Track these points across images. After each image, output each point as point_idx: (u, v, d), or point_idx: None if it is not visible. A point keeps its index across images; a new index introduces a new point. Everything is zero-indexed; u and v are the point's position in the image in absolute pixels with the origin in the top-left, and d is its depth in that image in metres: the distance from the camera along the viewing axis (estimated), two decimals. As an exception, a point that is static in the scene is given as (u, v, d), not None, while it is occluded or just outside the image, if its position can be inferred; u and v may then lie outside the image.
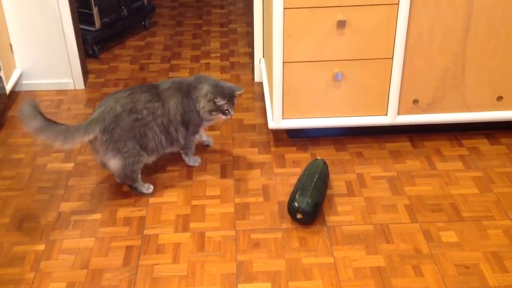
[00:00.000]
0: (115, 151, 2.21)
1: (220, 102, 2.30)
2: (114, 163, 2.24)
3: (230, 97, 2.32)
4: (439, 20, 2.35)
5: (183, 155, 2.50)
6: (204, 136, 2.63)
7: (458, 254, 2.01)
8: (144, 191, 2.35)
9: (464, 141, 2.63)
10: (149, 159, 2.35)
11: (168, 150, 2.39)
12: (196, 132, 2.43)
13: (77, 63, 3.12)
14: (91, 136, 2.18)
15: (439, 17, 2.35)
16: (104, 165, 2.33)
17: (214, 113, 2.33)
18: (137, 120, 2.22)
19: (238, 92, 2.37)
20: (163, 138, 2.30)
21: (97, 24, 3.51)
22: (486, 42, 2.41)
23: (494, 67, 2.47)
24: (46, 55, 3.09)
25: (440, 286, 1.89)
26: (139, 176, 2.32)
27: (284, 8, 2.30)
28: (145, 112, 2.24)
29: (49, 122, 2.11)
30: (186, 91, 2.33)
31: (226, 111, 2.33)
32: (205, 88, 2.31)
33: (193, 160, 2.51)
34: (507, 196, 2.28)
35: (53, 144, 2.16)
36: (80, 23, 3.26)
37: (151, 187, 2.37)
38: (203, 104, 2.31)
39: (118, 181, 2.34)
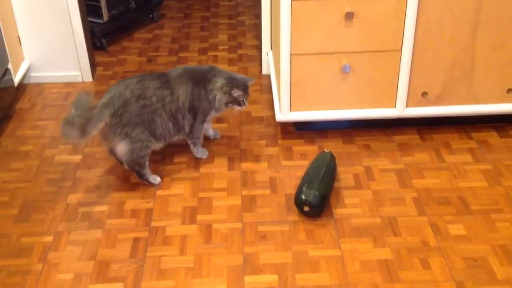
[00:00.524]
0: (123, 135, 2.23)
1: (236, 93, 2.33)
2: (122, 147, 2.26)
3: (244, 88, 2.36)
4: (448, 12, 2.33)
5: (191, 146, 2.50)
6: (210, 130, 2.63)
7: (466, 247, 2.00)
8: (151, 180, 2.36)
9: (473, 134, 2.61)
10: (157, 146, 2.37)
11: (176, 137, 2.41)
12: (203, 121, 2.44)
13: (85, 56, 3.13)
14: (103, 123, 2.19)
15: (448, 9, 2.32)
16: (111, 152, 2.35)
17: (230, 104, 2.37)
18: (146, 106, 2.24)
19: (250, 82, 2.41)
20: (170, 125, 2.32)
21: (105, 16, 3.51)
22: (496, 34, 2.39)
23: (504, 59, 2.44)
24: (54, 48, 3.10)
25: (447, 279, 1.88)
26: (147, 163, 2.33)
27: (291, 0, 2.28)
28: (154, 99, 2.26)
29: (77, 132, 2.11)
30: (199, 79, 2.35)
31: (242, 102, 2.37)
32: (220, 81, 2.34)
33: (201, 152, 2.51)
34: (516, 189, 2.27)
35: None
36: (88, 15, 3.27)
37: (158, 179, 2.37)
38: (219, 97, 2.34)
39: (126, 167, 2.35)
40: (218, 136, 2.66)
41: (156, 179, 2.37)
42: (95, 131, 2.18)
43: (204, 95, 2.35)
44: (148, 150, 2.30)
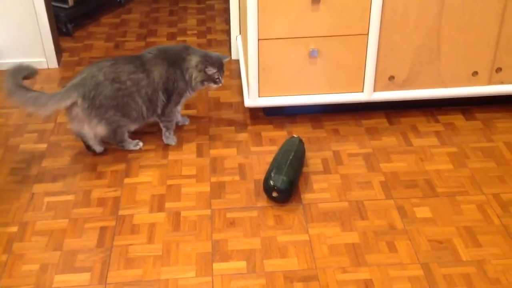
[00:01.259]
0: (99, 117, 2.26)
1: (211, 71, 2.36)
2: (100, 129, 2.30)
3: (219, 65, 2.38)
4: (414, -5, 2.34)
5: (163, 130, 2.48)
6: (179, 116, 2.61)
7: (432, 229, 2.03)
8: (133, 147, 2.43)
9: (439, 117, 2.64)
10: (132, 127, 2.40)
11: (151, 119, 2.44)
12: (178, 103, 2.45)
13: (49, 42, 3.06)
14: (69, 102, 2.22)
15: (414, -8, 2.33)
16: (79, 134, 2.37)
17: (205, 82, 2.40)
18: (120, 90, 2.27)
19: (225, 60, 2.43)
20: (144, 108, 2.35)
21: (70, 1, 3.44)
22: (461, 17, 2.40)
23: (470, 42, 2.46)
24: (18, 34, 3.02)
25: (413, 261, 1.90)
26: (126, 134, 2.39)
27: (258, -16, 2.26)
28: (128, 83, 2.28)
29: (20, 87, 2.16)
30: (173, 60, 2.37)
31: (217, 80, 2.40)
32: (194, 60, 2.36)
33: (171, 139, 2.50)
34: (481, 171, 2.30)
35: (26, 111, 2.24)
36: (53, 0, 3.19)
37: (140, 143, 2.45)
38: (195, 75, 2.36)
39: (97, 150, 2.39)
40: (187, 123, 2.64)
41: (137, 145, 2.44)
42: (55, 107, 2.22)
43: (180, 75, 2.36)
44: (124, 128, 2.36)
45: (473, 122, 2.61)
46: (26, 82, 2.22)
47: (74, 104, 2.23)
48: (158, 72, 2.32)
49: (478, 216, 2.08)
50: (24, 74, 2.22)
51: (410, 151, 2.42)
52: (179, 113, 2.60)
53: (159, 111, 2.39)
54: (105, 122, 2.28)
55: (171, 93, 2.38)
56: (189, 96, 2.49)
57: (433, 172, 2.30)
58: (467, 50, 2.48)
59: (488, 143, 2.47)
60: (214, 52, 2.46)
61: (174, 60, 2.36)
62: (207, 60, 2.36)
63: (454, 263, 1.90)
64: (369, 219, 2.08)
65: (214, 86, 2.43)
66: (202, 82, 2.39)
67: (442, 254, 1.93)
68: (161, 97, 2.36)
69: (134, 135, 2.45)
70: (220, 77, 2.40)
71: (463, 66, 2.52)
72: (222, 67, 2.40)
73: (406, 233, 2.01)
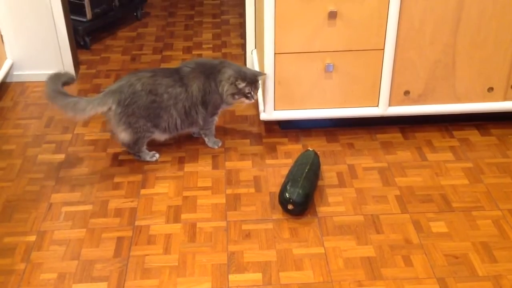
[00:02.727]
0: (127, 124, 2.32)
1: (241, 85, 2.38)
2: (124, 136, 2.36)
3: (251, 81, 2.40)
4: (430, 11, 2.35)
5: (203, 136, 2.56)
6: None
7: (448, 244, 2.03)
8: (148, 159, 2.46)
9: (454, 132, 2.64)
10: (162, 137, 2.46)
11: (184, 131, 2.50)
12: (214, 114, 2.50)
13: (68, 54, 3.10)
14: (105, 108, 2.30)
15: (430, 8, 2.35)
16: (113, 135, 2.46)
17: (236, 96, 2.41)
18: (155, 102, 2.32)
19: (260, 77, 2.45)
20: (179, 121, 2.40)
21: (89, 14, 3.49)
22: (477, 33, 2.42)
23: (485, 58, 2.47)
24: (37, 46, 3.07)
25: (429, 275, 1.90)
26: (145, 146, 2.43)
27: (275, -1, 2.29)
28: (165, 96, 2.33)
29: (60, 93, 2.25)
30: (209, 73, 2.41)
31: (249, 95, 2.41)
32: (228, 72, 2.40)
33: (212, 142, 2.56)
34: (497, 186, 2.30)
35: (66, 115, 2.33)
36: (71, 13, 3.24)
37: (156, 155, 2.48)
38: (226, 88, 2.39)
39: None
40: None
41: (153, 156, 2.48)
42: (92, 112, 2.28)
43: (215, 87, 2.40)
44: (147, 138, 2.42)
45: (488, 138, 2.61)
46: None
47: (109, 109, 2.30)
48: (196, 86, 2.37)
49: (494, 232, 2.08)
50: (63, 81, 2.31)
51: (425, 166, 2.43)
52: (216, 122, 2.62)
53: (200, 123, 2.45)
54: (131, 130, 2.33)
55: (207, 105, 2.43)
56: (223, 108, 2.53)
57: (449, 187, 2.30)
58: (483, 66, 2.49)
59: (504, 159, 2.47)
60: (251, 69, 2.49)
61: (210, 73, 2.41)
62: (240, 74, 2.38)
63: (470, 278, 1.89)
64: (385, 233, 2.08)
65: (246, 101, 2.43)
66: (233, 95, 2.40)
67: (458, 269, 1.92)
68: (201, 110, 2.41)
69: (151, 147, 2.48)
70: (252, 93, 2.40)
71: (479, 82, 2.53)
72: (254, 83, 2.40)
73: (422, 247, 2.01)
